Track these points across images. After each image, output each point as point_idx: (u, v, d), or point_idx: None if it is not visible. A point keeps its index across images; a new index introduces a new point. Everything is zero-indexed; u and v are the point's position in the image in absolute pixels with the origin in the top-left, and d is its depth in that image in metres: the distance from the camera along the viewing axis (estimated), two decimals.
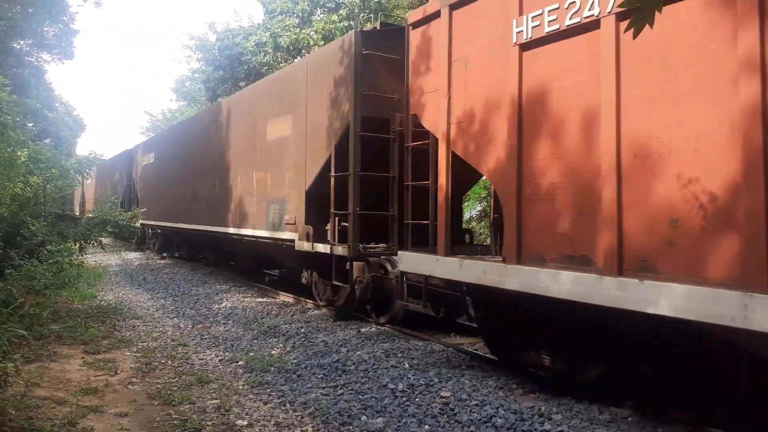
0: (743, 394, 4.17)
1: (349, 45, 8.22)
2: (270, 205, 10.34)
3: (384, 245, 8.20)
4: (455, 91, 5.97)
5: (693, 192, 3.80)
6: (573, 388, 5.28)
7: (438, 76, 6.19)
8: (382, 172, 8.13)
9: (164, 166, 18.44)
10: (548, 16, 4.85)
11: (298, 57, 20.49)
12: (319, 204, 8.87)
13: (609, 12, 4.34)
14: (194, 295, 11.67)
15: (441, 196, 6.09)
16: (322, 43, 18.81)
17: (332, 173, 8.48)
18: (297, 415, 4.93)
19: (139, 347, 7.23)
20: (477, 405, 4.99)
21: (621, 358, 4.98)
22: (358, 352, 6.80)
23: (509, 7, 5.23)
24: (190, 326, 8.75)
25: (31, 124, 28.09)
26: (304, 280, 9.87)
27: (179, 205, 16.19)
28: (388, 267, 7.82)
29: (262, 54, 21.22)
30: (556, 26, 4.79)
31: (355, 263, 8.17)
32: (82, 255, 10.84)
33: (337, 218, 8.34)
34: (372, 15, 17.85)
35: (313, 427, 4.68)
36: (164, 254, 19.95)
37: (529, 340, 5.65)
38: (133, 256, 20.05)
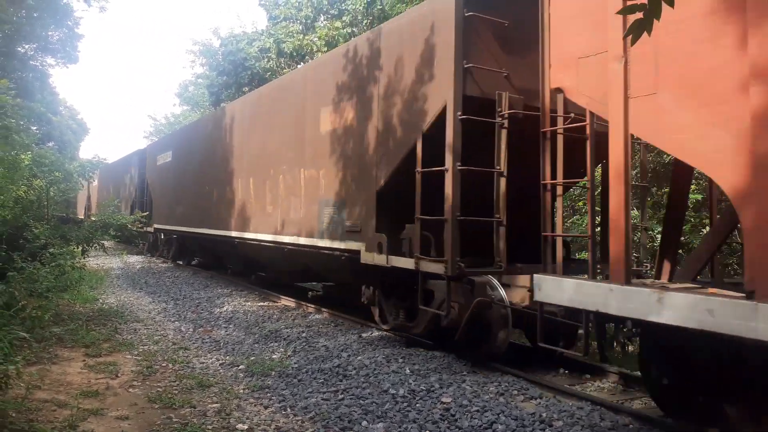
0: None
1: (447, 5, 6.51)
2: (323, 208, 8.68)
3: (470, 259, 6.42)
4: (641, 52, 4.26)
5: None
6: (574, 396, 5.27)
7: (603, 32, 4.62)
8: (479, 166, 6.30)
9: (184, 166, 16.57)
10: None
11: (302, 63, 20.56)
12: (393, 207, 7.32)
13: None
14: (195, 298, 11.67)
15: (616, 200, 4.45)
16: (326, 49, 18.88)
17: (419, 168, 6.74)
18: (297, 420, 4.93)
19: (140, 350, 7.23)
20: (478, 411, 4.98)
21: None
22: (359, 357, 6.80)
23: None
24: (191, 330, 8.75)
25: (35, 128, 28.21)
26: (364, 299, 8.15)
27: (202, 209, 14.42)
28: (490, 290, 6.24)
29: (266, 60, 21.28)
30: None
31: (452, 283, 6.38)
32: (84, 258, 10.87)
33: (419, 224, 6.75)
34: (375, 21, 17.96)
35: (313, 431, 4.68)
36: (179, 261, 18.49)
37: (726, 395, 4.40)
38: (135, 260, 20.05)
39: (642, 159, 6.80)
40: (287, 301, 11.05)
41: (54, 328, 7.48)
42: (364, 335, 7.98)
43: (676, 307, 3.83)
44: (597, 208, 6.43)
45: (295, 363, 6.75)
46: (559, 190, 5.27)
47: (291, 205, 9.76)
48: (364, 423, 4.80)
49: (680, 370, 4.65)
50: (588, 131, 4.94)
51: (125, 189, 24.21)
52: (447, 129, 6.33)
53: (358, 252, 7.70)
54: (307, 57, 20.44)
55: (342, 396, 5.52)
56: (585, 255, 6.81)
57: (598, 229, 6.33)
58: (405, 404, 5.21)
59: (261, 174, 11.01)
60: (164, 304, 11.15)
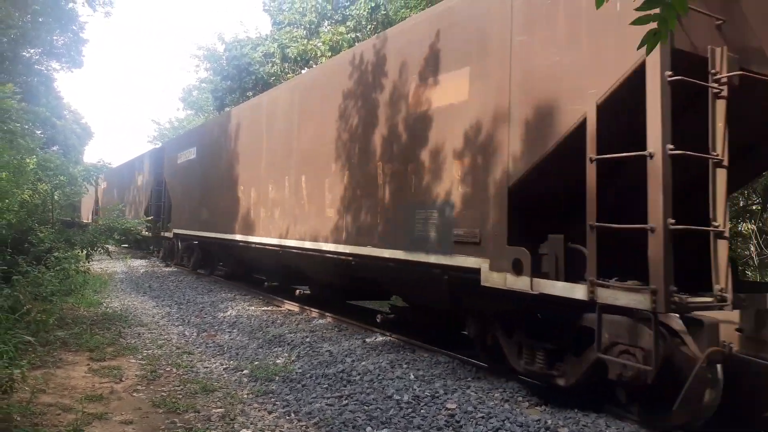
0: None
1: None
2: (415, 212, 6.68)
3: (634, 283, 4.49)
4: None
5: None
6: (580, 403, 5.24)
7: None
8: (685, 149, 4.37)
9: (211, 164, 14.45)
10: None
11: (305, 68, 20.64)
12: (533, 212, 5.43)
13: None
14: (199, 303, 11.67)
15: None
16: (330, 54, 18.95)
17: (592, 154, 4.70)
18: (302, 425, 4.92)
19: (144, 355, 7.23)
20: (483, 417, 4.96)
21: None
22: (364, 363, 6.79)
23: None
24: (195, 334, 8.74)
25: (39, 132, 28.36)
26: (471, 333, 6.56)
27: (233, 212, 12.47)
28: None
29: (270, 65, 21.37)
30: None
31: (642, 322, 4.56)
32: (88, 262, 10.90)
33: (594, 234, 4.71)
34: (379, 27, 18.01)
35: None
36: (200, 270, 16.79)
37: None
38: (139, 264, 20.06)
39: None
40: (291, 306, 11.04)
41: (58, 332, 7.49)
42: (368, 340, 7.97)
43: None
44: None
45: (299, 368, 6.74)
46: None
47: (363, 207, 7.74)
48: (369, 429, 4.79)
49: None
50: None
51: (138, 191, 22.44)
52: (648, 96, 4.44)
53: (473, 270, 5.65)
54: (311, 62, 20.52)
55: (346, 401, 5.51)
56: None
57: None
58: (409, 410, 5.20)
59: (317, 171, 9.02)
60: (168, 308, 11.15)
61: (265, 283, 12.95)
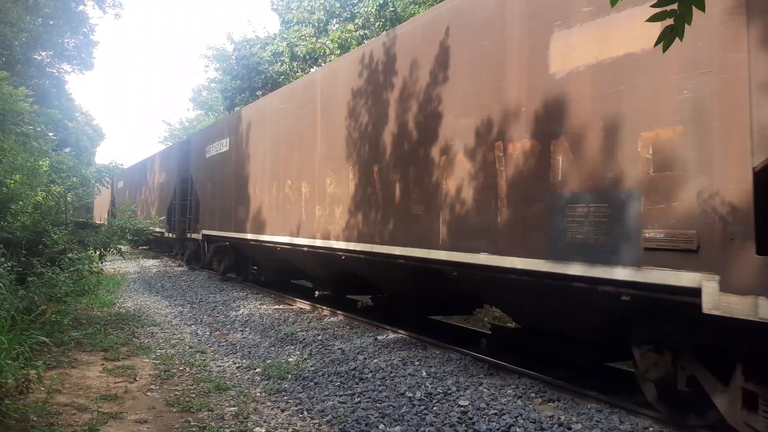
0: None
1: None
2: (562, 207, 4.95)
3: None
4: None
5: None
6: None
7: None
8: None
9: (250, 156, 12.51)
10: None
11: (315, 67, 20.67)
12: None
13: None
14: (211, 302, 11.74)
15: None
16: (338, 52, 18.95)
17: None
18: (315, 423, 4.93)
19: (158, 354, 7.29)
20: (496, 414, 4.95)
21: None
22: (375, 360, 6.80)
23: None
24: (207, 333, 8.80)
25: (52, 134, 28.58)
26: (647, 373, 4.87)
27: (279, 211, 10.76)
28: None
29: (279, 64, 21.42)
30: None
31: None
32: (101, 263, 10.98)
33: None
34: (388, 24, 17.98)
35: None
36: (230, 275, 15.07)
37: None
38: (151, 264, 20.20)
39: None
40: (302, 304, 11.07)
41: (73, 332, 7.56)
42: (379, 338, 7.97)
43: None
44: None
45: (311, 366, 6.76)
46: None
47: (472, 200, 5.99)
48: (381, 426, 4.80)
49: None
50: None
51: (159, 190, 20.87)
52: None
53: (682, 291, 4.03)
54: (319, 60, 20.54)
55: (358, 399, 5.52)
56: None
57: None
58: (422, 407, 5.20)
59: (398, 159, 7.32)
60: (180, 307, 11.22)
61: (316, 293, 11.03)
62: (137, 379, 6.16)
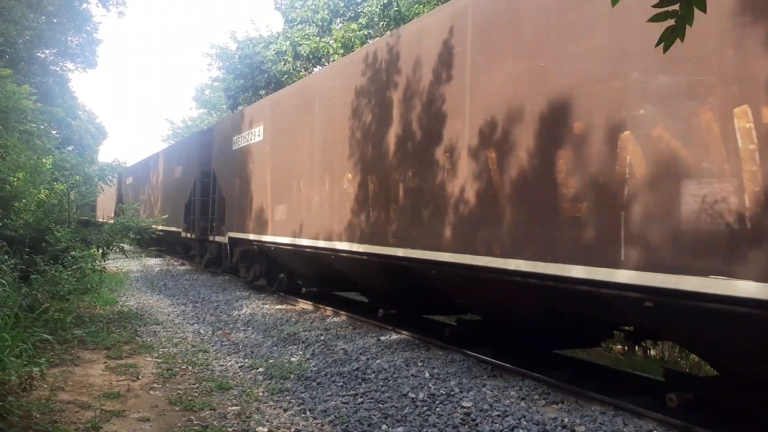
0: None
1: None
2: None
3: None
4: None
5: None
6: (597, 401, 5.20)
7: None
8: None
9: (293, 146, 10.38)
10: None
11: (318, 66, 20.67)
12: None
13: None
14: (214, 301, 11.74)
15: None
16: (342, 51, 18.96)
17: None
18: (317, 423, 4.92)
19: (160, 353, 7.29)
20: (499, 416, 4.94)
21: None
22: (378, 360, 6.78)
23: None
24: (210, 332, 8.80)
25: (55, 132, 28.63)
26: None
27: (335, 210, 8.73)
28: None
29: (282, 63, 21.42)
30: None
31: None
32: (104, 261, 10.99)
33: None
34: (392, 23, 17.98)
35: None
36: (259, 282, 12.88)
37: None
38: (154, 262, 20.21)
39: None
40: (305, 304, 11.07)
41: (76, 330, 7.56)
42: (382, 338, 7.96)
43: None
44: None
45: (314, 366, 6.76)
46: None
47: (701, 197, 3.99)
48: (384, 427, 4.79)
49: None
50: None
51: (174, 186, 19.00)
52: None
53: None
54: (323, 59, 20.54)
55: (361, 399, 5.51)
56: None
57: None
58: (425, 408, 5.19)
59: (527, 140, 5.36)
60: (183, 306, 11.23)
61: (379, 311, 8.56)
62: (140, 377, 6.16)
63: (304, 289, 11.65)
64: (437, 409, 5.17)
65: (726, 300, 3.84)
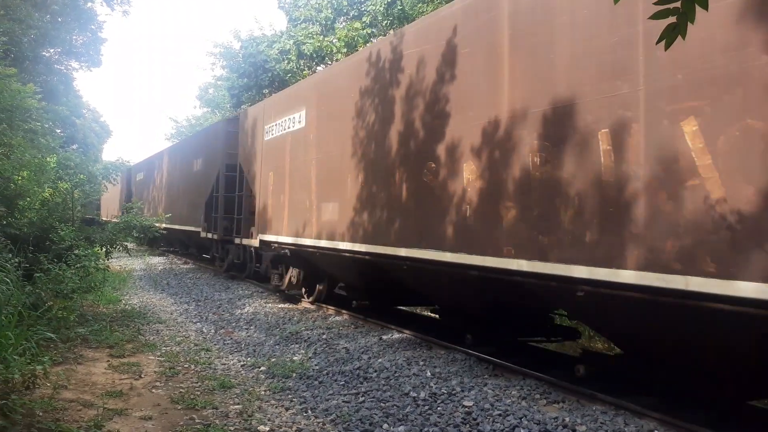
0: None
1: None
2: None
3: None
4: None
5: None
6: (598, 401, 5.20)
7: None
8: None
9: (350, 132, 8.44)
10: None
11: (322, 65, 20.68)
12: None
13: None
14: (217, 300, 11.77)
15: None
16: (345, 50, 18.96)
17: None
18: (318, 422, 4.94)
19: (163, 351, 7.31)
20: (500, 415, 4.94)
21: None
22: (380, 360, 6.79)
23: None
24: (212, 331, 8.82)
25: (59, 131, 28.74)
26: None
27: (405, 211, 7.15)
28: None
29: (286, 62, 21.43)
30: None
31: None
32: (108, 259, 11.02)
33: None
34: (395, 22, 17.97)
35: None
36: (295, 292, 11.26)
37: None
38: (157, 261, 20.25)
39: None
40: (307, 303, 11.08)
41: (79, 328, 7.59)
42: (384, 337, 7.97)
43: None
44: None
45: (315, 365, 6.77)
46: None
47: None
48: (385, 426, 4.80)
49: None
50: None
51: (192, 181, 17.26)
52: None
53: None
54: (326, 58, 20.55)
55: (363, 398, 5.52)
56: None
57: None
58: (426, 407, 5.20)
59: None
60: (186, 305, 11.26)
61: (468, 337, 7.16)
62: (142, 375, 6.19)
63: (354, 302, 9.67)
64: (438, 408, 5.18)
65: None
